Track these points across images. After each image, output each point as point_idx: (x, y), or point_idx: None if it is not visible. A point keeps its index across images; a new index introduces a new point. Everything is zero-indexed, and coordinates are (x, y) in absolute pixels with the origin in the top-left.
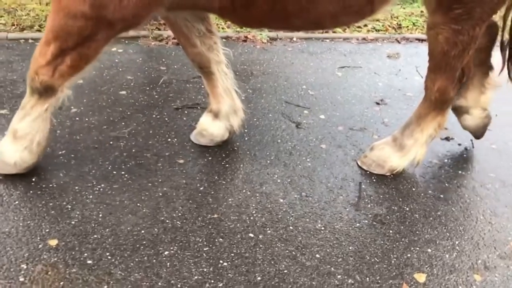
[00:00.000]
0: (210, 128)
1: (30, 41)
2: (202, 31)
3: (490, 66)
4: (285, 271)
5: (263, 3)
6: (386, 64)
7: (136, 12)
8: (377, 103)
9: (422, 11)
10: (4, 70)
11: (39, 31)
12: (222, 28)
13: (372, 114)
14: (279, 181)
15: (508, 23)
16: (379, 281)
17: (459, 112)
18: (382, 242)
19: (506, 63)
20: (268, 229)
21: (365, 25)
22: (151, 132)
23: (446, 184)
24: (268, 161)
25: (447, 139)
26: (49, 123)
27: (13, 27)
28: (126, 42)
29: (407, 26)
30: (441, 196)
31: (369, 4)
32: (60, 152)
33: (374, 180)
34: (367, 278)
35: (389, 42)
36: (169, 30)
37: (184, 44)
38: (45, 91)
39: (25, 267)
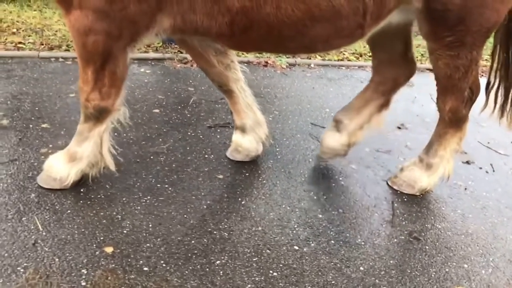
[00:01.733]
0: (243, 143)
1: (60, 59)
2: (219, 50)
3: (389, 102)
4: (333, 282)
5: (261, 28)
6: (402, 92)
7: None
8: (399, 128)
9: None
10: (39, 86)
11: (68, 50)
12: (242, 53)
13: (395, 137)
14: (315, 198)
15: (495, 63)
16: None
17: (336, 127)
18: (420, 257)
19: (495, 104)
20: (311, 242)
21: None
22: (188, 148)
23: (473, 205)
24: (303, 179)
25: (468, 162)
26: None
27: (42, 46)
28: (153, 63)
29: (416, 57)
30: (470, 216)
31: (360, 28)
32: (96, 172)
33: (405, 200)
34: None
35: None
36: None
37: (203, 65)
38: (100, 114)
39: (85, 272)
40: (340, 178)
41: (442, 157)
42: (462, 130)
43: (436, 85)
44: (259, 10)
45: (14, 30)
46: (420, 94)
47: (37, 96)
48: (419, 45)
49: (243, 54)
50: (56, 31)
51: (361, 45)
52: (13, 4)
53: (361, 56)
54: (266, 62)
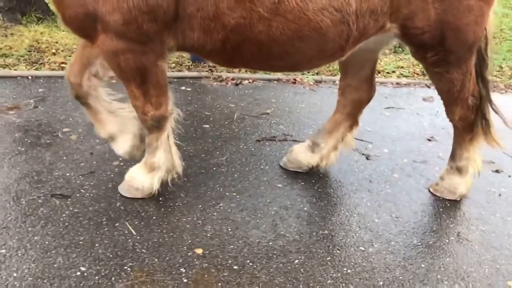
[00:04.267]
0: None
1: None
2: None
3: (357, 122)
4: (400, 277)
5: (252, 45)
6: (424, 106)
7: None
8: (429, 140)
9: None
10: None
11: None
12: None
13: (428, 149)
14: (369, 204)
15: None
16: (480, 287)
17: (311, 147)
18: (471, 255)
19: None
20: (374, 243)
21: (394, 71)
22: (244, 160)
23: (509, 209)
24: (354, 187)
25: (497, 171)
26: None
27: None
28: (191, 82)
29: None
30: (509, 219)
31: (341, 51)
32: (174, 176)
33: (448, 205)
34: (470, 284)
35: (419, 87)
36: (227, 71)
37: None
38: (159, 122)
39: (184, 270)
40: (387, 187)
41: (468, 158)
42: (476, 131)
43: (441, 99)
44: (252, 28)
45: (54, 50)
46: (441, 108)
47: None
48: None
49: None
50: None
51: (379, 62)
52: (42, 26)
53: (379, 72)
54: (295, 80)
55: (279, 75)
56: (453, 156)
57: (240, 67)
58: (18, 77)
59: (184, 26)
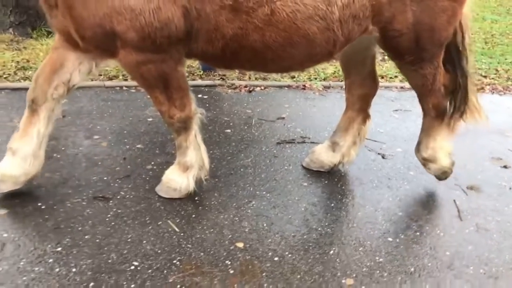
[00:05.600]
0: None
1: (124, 88)
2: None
3: (369, 115)
4: (429, 264)
5: (248, 52)
6: None
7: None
8: None
9: None
10: (117, 114)
11: (126, 80)
12: (282, 79)
13: None
14: (390, 199)
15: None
16: (503, 271)
17: (332, 147)
18: (491, 243)
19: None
20: (400, 235)
21: (396, 76)
22: (268, 162)
23: None
24: (374, 184)
25: (505, 167)
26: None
27: (100, 76)
28: (207, 89)
29: None
30: None
31: (329, 55)
32: (205, 177)
33: (464, 198)
34: (493, 269)
35: None
36: (241, 79)
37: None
38: (185, 123)
39: (229, 263)
40: (405, 183)
41: (434, 148)
42: (445, 120)
43: (416, 92)
44: (247, 37)
45: None
46: None
47: (119, 121)
48: None
49: (282, 78)
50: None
51: (381, 68)
52: (52, 39)
53: (382, 77)
54: (304, 86)
55: (289, 81)
56: (418, 147)
57: (237, 69)
58: None
59: (191, 37)
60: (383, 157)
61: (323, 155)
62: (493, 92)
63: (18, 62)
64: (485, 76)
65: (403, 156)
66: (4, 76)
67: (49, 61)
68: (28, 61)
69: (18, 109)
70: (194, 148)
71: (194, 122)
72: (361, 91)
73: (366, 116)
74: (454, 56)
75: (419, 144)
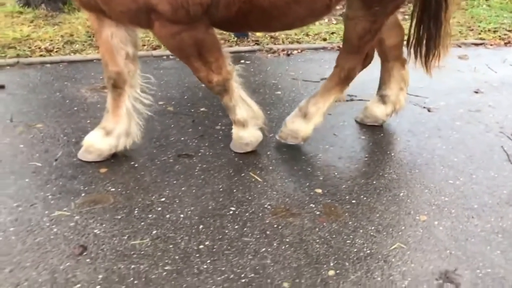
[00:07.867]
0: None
1: (170, 57)
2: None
3: (404, 58)
4: (490, 201)
5: (257, 12)
6: (461, 64)
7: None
8: (476, 92)
9: (458, 22)
10: (172, 81)
11: None
12: (315, 41)
13: (477, 99)
14: (444, 147)
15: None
16: None
17: (382, 100)
18: None
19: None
20: (459, 177)
21: None
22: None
23: None
24: (426, 135)
25: None
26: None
27: (144, 46)
28: (247, 55)
29: (456, 35)
30: None
31: (328, 8)
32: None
33: (510, 144)
34: None
35: (452, 47)
36: (277, 44)
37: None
38: (224, 85)
39: (313, 206)
40: (454, 133)
41: (319, 108)
42: (342, 90)
43: (344, 45)
44: None
45: None
46: (477, 65)
47: (177, 87)
48: (458, 22)
49: (315, 41)
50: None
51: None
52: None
53: None
54: (339, 47)
55: (323, 43)
56: (307, 101)
57: (245, 31)
58: (94, 61)
59: (214, 7)
60: (428, 110)
61: (376, 110)
62: None
63: (62, 36)
64: (510, 31)
65: (447, 109)
66: (55, 50)
67: (103, 47)
68: (71, 35)
69: (81, 79)
70: (241, 103)
71: (233, 81)
72: (391, 41)
73: (403, 61)
74: (433, 7)
75: None
